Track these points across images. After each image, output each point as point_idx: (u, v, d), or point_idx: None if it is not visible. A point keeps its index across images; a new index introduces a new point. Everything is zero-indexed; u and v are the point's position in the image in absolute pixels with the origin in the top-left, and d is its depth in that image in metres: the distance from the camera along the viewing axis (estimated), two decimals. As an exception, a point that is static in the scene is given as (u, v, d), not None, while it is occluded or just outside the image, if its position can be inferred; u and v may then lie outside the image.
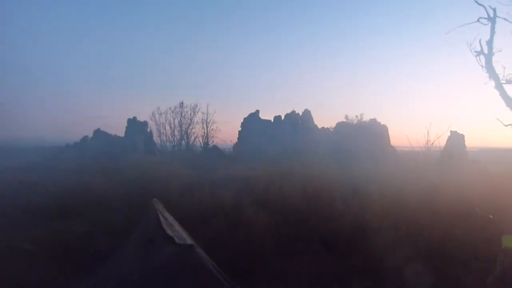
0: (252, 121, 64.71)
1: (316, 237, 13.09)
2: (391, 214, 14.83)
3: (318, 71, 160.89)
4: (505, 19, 16.74)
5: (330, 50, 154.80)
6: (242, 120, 66.53)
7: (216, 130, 66.39)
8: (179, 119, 66.10)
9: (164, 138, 65.70)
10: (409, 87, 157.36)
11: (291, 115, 66.60)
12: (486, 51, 17.13)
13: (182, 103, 65.18)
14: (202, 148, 65.22)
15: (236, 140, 65.11)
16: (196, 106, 65.81)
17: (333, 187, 24.22)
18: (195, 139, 66.00)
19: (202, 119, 66.17)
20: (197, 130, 66.93)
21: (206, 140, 65.84)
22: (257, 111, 65.62)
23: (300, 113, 68.46)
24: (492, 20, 16.82)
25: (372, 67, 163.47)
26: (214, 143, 65.52)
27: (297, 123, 65.26)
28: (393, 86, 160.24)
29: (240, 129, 65.95)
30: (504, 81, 16.67)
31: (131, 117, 64.64)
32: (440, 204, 16.31)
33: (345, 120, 64.18)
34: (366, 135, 59.26)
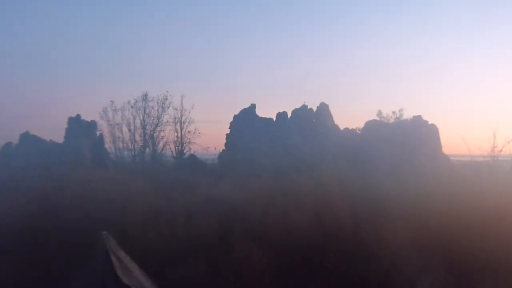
0: (245, 120, 65.83)
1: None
2: (446, 255, 16.72)
3: (336, 53, 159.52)
4: None
5: (351, 24, 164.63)
6: (231, 119, 67.55)
7: (194, 132, 67.51)
8: (141, 117, 66.96)
9: (121, 145, 66.36)
10: (468, 76, 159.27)
11: (301, 111, 67.79)
12: None
13: (145, 95, 66.52)
14: (174, 159, 66.51)
15: (223, 147, 66.24)
16: (166, 99, 66.65)
17: (360, 213, 24.94)
18: (164, 145, 66.83)
19: (175, 118, 67.13)
20: (168, 133, 67.08)
21: (180, 147, 67.09)
22: (253, 106, 66.83)
23: (314, 108, 69.77)
24: None
25: (413, 47, 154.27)
26: (192, 151, 66.81)
27: (309, 122, 66.60)
28: (444, 73, 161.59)
29: (228, 131, 66.95)
30: None
31: (73, 115, 65.84)
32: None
33: (377, 118, 64.89)
34: (408, 139, 60.42)
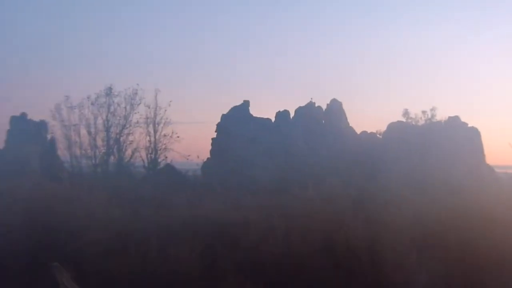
0: (236, 121, 66.52)
1: None
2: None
3: (349, 41, 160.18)
4: None
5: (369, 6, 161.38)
6: (218, 119, 68.21)
7: (171, 136, 66.98)
8: (104, 117, 66.58)
9: (78, 151, 66.01)
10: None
11: (307, 110, 68.51)
12: None
13: (110, 88, 66.19)
14: (146, 169, 66.41)
15: (208, 155, 66.93)
16: (136, 94, 66.28)
17: (381, 240, 25.21)
18: (133, 152, 66.48)
19: (147, 118, 66.59)
20: (138, 137, 66.54)
21: (153, 155, 66.79)
22: (246, 103, 67.79)
23: (323, 107, 70.34)
24: None
25: (447, 33, 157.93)
26: (169, 160, 66.54)
27: (316, 123, 67.24)
28: (488, 67, 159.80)
29: (215, 134, 67.76)
30: None
31: (16, 114, 65.97)
32: None
33: (402, 119, 65.66)
34: (442, 145, 60.92)
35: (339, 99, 66.12)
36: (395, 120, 62.90)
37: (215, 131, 64.84)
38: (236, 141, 62.51)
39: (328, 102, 66.13)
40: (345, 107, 65.47)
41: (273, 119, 64.88)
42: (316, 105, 66.03)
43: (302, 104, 65.58)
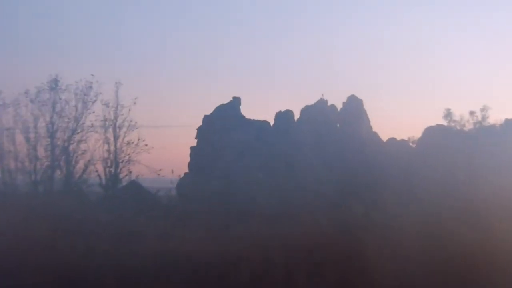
0: (223, 123, 66.90)
1: None
2: None
3: (369, 24, 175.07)
4: None
5: None
6: (200, 122, 68.81)
7: (138, 145, 66.62)
8: (48, 118, 66.27)
9: (12, 164, 65.59)
10: None
11: (316, 110, 68.92)
12: None
13: (56, 80, 65.85)
14: (103, 188, 66.34)
15: (186, 169, 67.08)
16: (91, 88, 66.06)
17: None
18: (87, 166, 66.06)
19: (105, 120, 66.17)
20: (94, 146, 66.11)
21: (113, 169, 66.66)
22: (236, 100, 68.24)
23: (338, 106, 70.88)
24: None
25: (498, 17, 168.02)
26: (134, 176, 66.19)
27: (329, 127, 67.73)
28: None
29: (195, 142, 68.19)
30: None
31: None
32: None
33: (444, 123, 67.04)
34: (497, 155, 61.47)
35: (359, 96, 66.07)
36: (433, 123, 63.01)
37: (196, 138, 64.89)
38: (222, 151, 63.06)
39: (345, 100, 66.10)
40: (366, 106, 65.30)
41: (272, 122, 65.17)
42: (329, 103, 66.30)
43: (311, 103, 65.60)
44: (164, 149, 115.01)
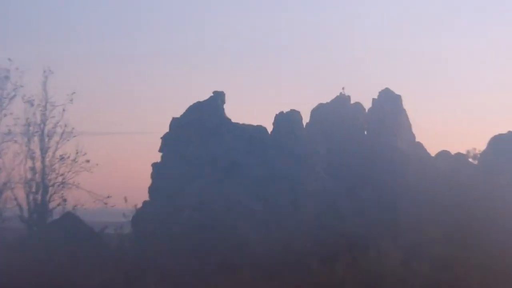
0: (200, 128, 58.56)
1: None
2: None
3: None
4: None
5: None
6: (166, 129, 60.93)
7: (76, 161, 57.75)
8: None
9: None
10: None
11: (333, 109, 60.12)
12: None
13: None
14: (26, 223, 57.52)
15: (146, 197, 59.20)
16: (7, 78, 57.72)
17: None
18: (1, 192, 57.72)
19: (28, 124, 57.91)
20: (11, 162, 57.42)
21: (41, 196, 56.88)
22: (218, 96, 60.06)
23: (367, 104, 63.57)
24: None
25: None
26: (70, 206, 57.16)
27: (353, 135, 58.75)
28: None
29: (159, 156, 60.00)
30: None
31: None
32: None
33: None
34: None
35: (395, 91, 58.26)
36: (501, 130, 57.20)
37: (159, 150, 56.97)
38: (198, 169, 55.13)
39: (375, 96, 58.30)
40: (406, 104, 58.61)
41: (270, 127, 57.85)
42: (353, 101, 58.35)
43: (325, 100, 58.45)
44: (115, 166, 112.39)
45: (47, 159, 55.08)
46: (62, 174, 54.87)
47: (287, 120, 57.31)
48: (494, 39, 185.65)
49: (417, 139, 57.43)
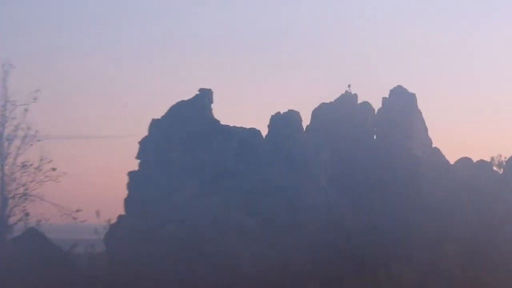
0: (183, 132, 54.29)
1: None
2: None
3: None
4: None
5: None
6: (145, 132, 58.03)
7: (40, 168, 53.88)
8: None
9: None
10: None
11: (338, 109, 55.87)
12: None
13: None
14: None
15: (121, 211, 55.75)
16: None
17: None
18: None
19: None
20: None
21: (1, 211, 52.80)
22: (204, 94, 55.95)
23: (376, 104, 61.42)
24: None
25: None
26: (34, 222, 53.26)
27: (359, 139, 54.07)
28: None
29: (136, 164, 56.46)
30: None
31: None
32: None
33: None
34: None
35: (409, 89, 54.58)
36: None
37: (137, 157, 53.49)
38: (181, 179, 51.20)
39: (386, 95, 54.50)
40: (421, 104, 55.25)
41: (264, 130, 54.23)
42: (360, 100, 54.75)
43: (329, 99, 55.26)
44: (85, 176, 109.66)
45: (6, 167, 52.24)
46: (24, 184, 52.10)
47: (284, 122, 54.80)
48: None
49: (434, 144, 54.83)
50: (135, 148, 55.45)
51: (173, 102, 56.34)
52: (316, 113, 54.73)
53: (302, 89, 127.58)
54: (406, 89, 54.67)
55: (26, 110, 52.78)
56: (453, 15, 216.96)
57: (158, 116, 56.00)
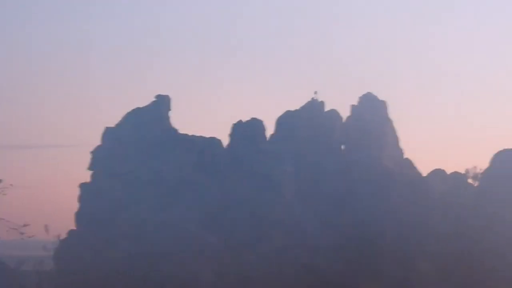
0: (139, 141, 52.02)
1: None
2: None
3: None
4: None
5: None
6: (98, 140, 55.57)
7: None
8: None
9: None
10: None
11: (304, 117, 53.55)
12: None
13: None
14: None
15: (72, 225, 54.03)
16: None
17: None
18: None
19: None
20: None
21: None
22: (161, 100, 53.49)
23: (344, 112, 60.24)
24: None
25: None
26: None
27: (327, 149, 51.78)
28: None
29: (89, 175, 54.22)
30: None
31: None
32: None
33: None
34: None
35: (379, 96, 53.10)
36: (509, 145, 54.57)
37: (89, 168, 51.66)
38: (137, 191, 49.08)
39: (355, 102, 52.65)
40: (392, 113, 53.46)
41: (225, 140, 53.19)
42: (327, 107, 52.59)
43: (294, 107, 53.79)
44: (34, 188, 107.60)
45: None
46: None
47: (247, 130, 53.12)
48: (496, 44, 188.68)
49: (406, 155, 53.03)
50: (87, 158, 53.36)
51: (128, 109, 54.19)
52: (281, 122, 52.70)
53: (266, 96, 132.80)
54: (376, 96, 52.98)
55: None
56: (428, 20, 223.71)
57: (112, 124, 53.96)
